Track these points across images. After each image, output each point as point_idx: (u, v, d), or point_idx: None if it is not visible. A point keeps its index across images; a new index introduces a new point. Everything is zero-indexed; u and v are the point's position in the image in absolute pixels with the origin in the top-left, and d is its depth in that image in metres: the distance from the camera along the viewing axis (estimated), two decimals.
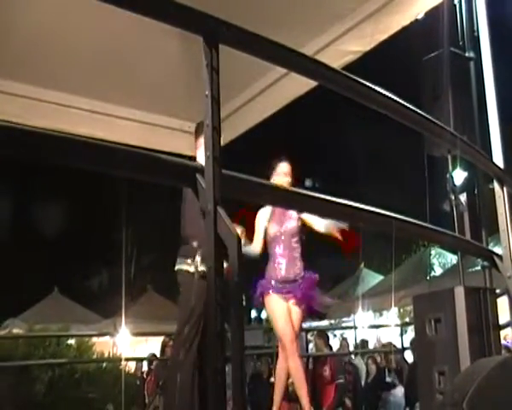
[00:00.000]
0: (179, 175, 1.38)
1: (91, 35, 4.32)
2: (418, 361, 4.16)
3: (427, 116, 2.29)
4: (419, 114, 2.22)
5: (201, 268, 3.83)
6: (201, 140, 4.30)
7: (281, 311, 4.64)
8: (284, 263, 4.73)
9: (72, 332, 10.63)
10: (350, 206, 1.78)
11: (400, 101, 2.20)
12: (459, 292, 3.77)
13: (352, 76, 2.05)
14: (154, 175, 1.35)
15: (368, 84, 2.10)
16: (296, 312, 4.68)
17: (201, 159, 4.33)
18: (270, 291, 4.69)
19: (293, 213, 4.81)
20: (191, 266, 3.91)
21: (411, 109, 2.22)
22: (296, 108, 5.53)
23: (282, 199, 1.63)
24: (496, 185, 2.46)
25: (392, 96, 2.18)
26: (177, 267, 4.01)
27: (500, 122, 3.40)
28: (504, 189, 2.46)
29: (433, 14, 4.74)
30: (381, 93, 2.13)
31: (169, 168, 1.32)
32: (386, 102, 2.18)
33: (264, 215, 4.81)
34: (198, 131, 4.46)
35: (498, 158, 3.28)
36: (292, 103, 5.21)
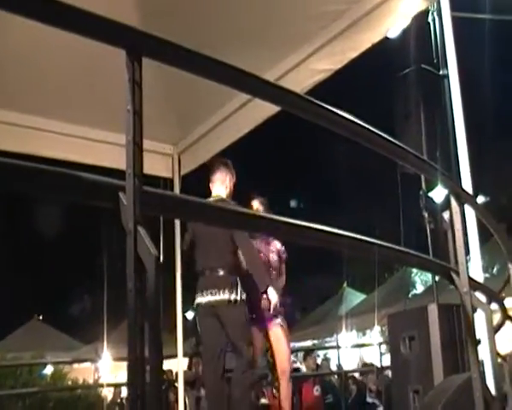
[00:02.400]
0: (101, 193, 1.33)
1: (48, 55, 4.28)
2: (393, 380, 4.13)
3: (392, 139, 2.25)
4: (382, 136, 2.17)
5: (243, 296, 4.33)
6: (217, 175, 4.61)
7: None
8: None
9: (50, 359, 10.44)
10: (285, 222, 1.74)
11: (363, 124, 2.13)
12: (432, 310, 3.77)
13: (309, 98, 1.98)
14: (75, 194, 1.30)
15: (330, 107, 2.03)
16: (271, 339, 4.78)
17: (218, 192, 4.47)
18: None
19: (276, 244, 4.97)
20: (238, 295, 4.30)
21: (375, 133, 2.16)
22: (267, 129, 5.52)
23: (213, 218, 1.58)
24: (453, 201, 2.44)
25: (355, 120, 2.12)
26: (225, 297, 4.29)
27: (468, 139, 3.40)
28: (462, 204, 2.45)
29: (412, 31, 4.78)
30: (344, 117, 2.07)
31: (90, 186, 1.28)
32: (349, 125, 2.12)
33: None
34: (213, 166, 4.70)
35: (466, 175, 3.29)
36: (265, 124, 5.18)
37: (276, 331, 4.71)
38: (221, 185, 4.62)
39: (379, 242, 1.95)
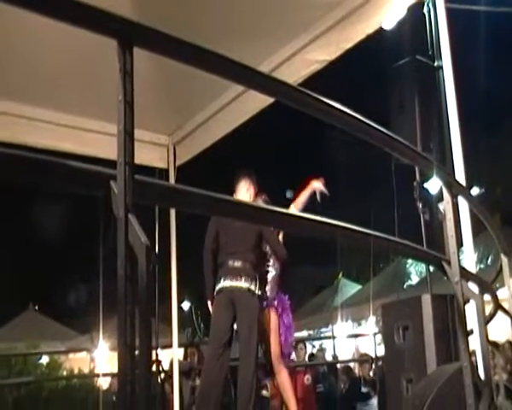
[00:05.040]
0: (93, 182, 1.34)
1: (45, 45, 4.26)
2: (387, 369, 4.16)
3: (386, 131, 2.25)
4: (376, 128, 2.18)
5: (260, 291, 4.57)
6: (241, 184, 4.87)
7: None
8: None
9: (46, 349, 10.42)
10: (276, 212, 1.75)
11: (357, 116, 2.13)
12: (426, 300, 3.79)
13: (303, 89, 1.98)
14: (66, 183, 1.32)
15: (324, 99, 2.02)
16: None
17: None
18: None
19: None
20: (256, 287, 4.52)
21: (369, 124, 2.16)
22: (262, 119, 5.50)
23: (205, 207, 1.59)
24: (445, 192, 2.45)
25: (350, 112, 2.11)
26: (245, 285, 4.50)
27: (462, 130, 3.41)
28: (454, 195, 2.47)
29: (407, 22, 4.77)
30: (338, 109, 2.07)
31: (81, 175, 1.29)
32: (343, 117, 2.11)
33: None
34: (238, 176, 4.92)
35: (460, 166, 3.30)
36: (261, 114, 5.17)
37: (272, 317, 4.73)
38: (246, 193, 4.89)
39: (373, 232, 1.97)
